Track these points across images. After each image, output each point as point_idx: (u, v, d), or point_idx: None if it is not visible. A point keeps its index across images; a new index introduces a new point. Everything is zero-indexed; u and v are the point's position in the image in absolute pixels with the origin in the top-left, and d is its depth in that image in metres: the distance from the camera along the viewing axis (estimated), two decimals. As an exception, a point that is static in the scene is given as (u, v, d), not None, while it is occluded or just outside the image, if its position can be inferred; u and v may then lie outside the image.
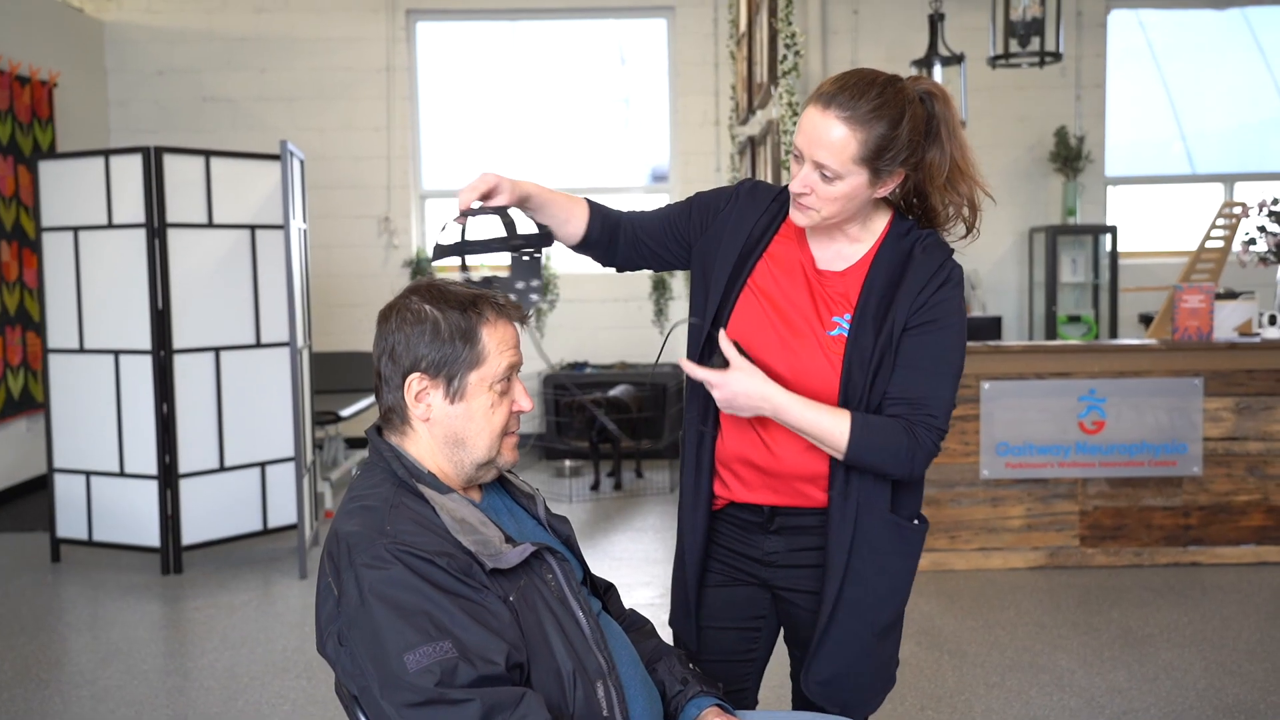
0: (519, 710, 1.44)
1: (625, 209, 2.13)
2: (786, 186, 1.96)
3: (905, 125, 1.80)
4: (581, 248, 2.08)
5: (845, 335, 1.88)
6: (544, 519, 1.79)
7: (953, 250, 1.93)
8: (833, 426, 1.82)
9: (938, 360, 1.86)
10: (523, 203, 1.97)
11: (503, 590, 1.55)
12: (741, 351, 1.85)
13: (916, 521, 1.97)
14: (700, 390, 1.96)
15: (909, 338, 1.86)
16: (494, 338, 1.65)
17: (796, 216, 1.88)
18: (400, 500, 1.59)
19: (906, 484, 1.94)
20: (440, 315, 1.62)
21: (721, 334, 1.86)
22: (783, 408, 1.82)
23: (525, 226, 1.96)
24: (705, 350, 1.94)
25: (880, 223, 1.95)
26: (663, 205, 2.13)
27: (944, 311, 1.87)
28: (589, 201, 2.07)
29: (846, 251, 1.94)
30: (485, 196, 1.89)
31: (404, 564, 1.48)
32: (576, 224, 2.04)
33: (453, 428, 1.65)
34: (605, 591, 1.87)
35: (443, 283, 1.68)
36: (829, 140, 1.78)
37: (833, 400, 1.87)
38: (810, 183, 1.82)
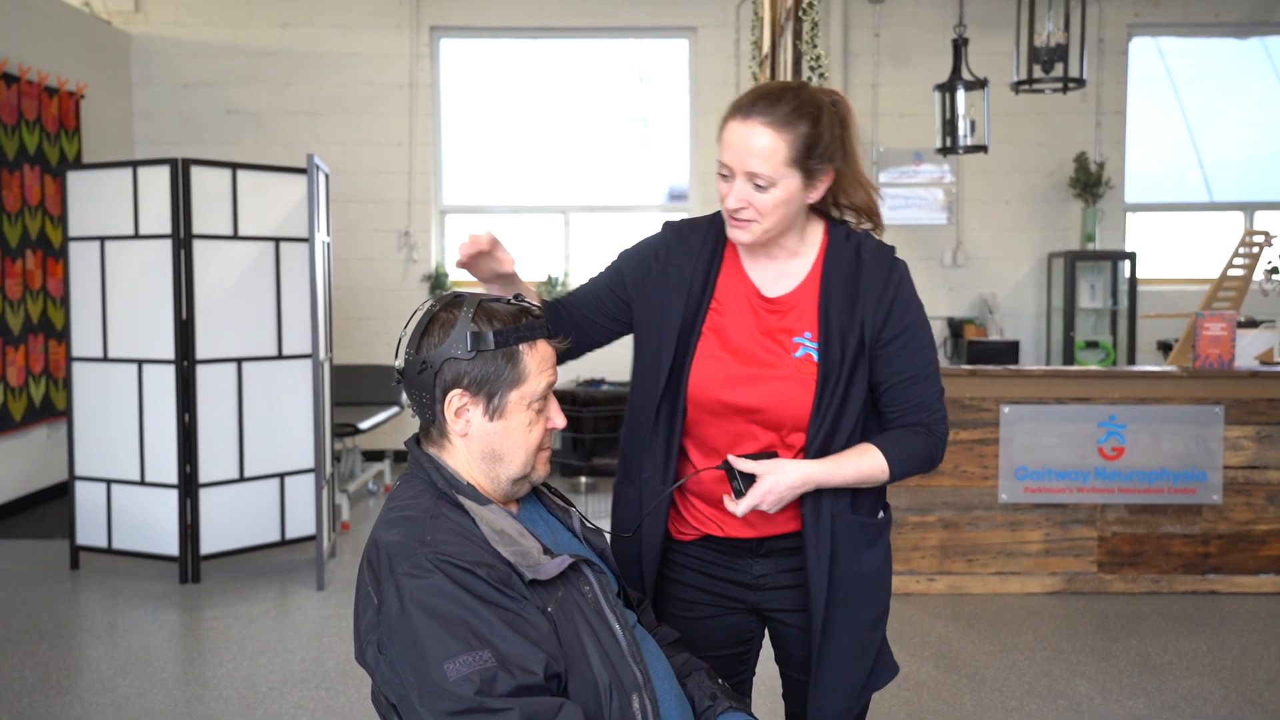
0: (557, 720, 1.45)
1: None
2: (715, 215, 1.97)
3: (825, 121, 1.83)
4: None
5: (812, 354, 1.89)
6: (579, 532, 1.80)
7: (894, 248, 1.97)
8: (873, 468, 1.89)
9: (924, 365, 1.93)
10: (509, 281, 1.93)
11: (541, 601, 1.56)
12: (755, 456, 1.85)
13: (882, 515, 2.01)
14: (660, 451, 1.95)
15: (891, 351, 1.90)
16: (535, 358, 1.66)
17: (737, 235, 1.87)
18: (440, 511, 1.60)
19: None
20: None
21: (731, 458, 1.86)
22: (824, 480, 1.86)
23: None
24: (661, 409, 1.93)
25: (816, 232, 1.95)
26: (590, 279, 2.06)
27: (913, 318, 1.92)
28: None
29: (789, 269, 1.94)
30: (475, 256, 1.85)
31: (444, 573, 1.49)
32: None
33: (490, 444, 1.66)
34: (638, 605, 1.88)
35: (488, 298, 1.68)
36: (758, 148, 1.79)
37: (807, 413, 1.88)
38: (745, 197, 1.82)
